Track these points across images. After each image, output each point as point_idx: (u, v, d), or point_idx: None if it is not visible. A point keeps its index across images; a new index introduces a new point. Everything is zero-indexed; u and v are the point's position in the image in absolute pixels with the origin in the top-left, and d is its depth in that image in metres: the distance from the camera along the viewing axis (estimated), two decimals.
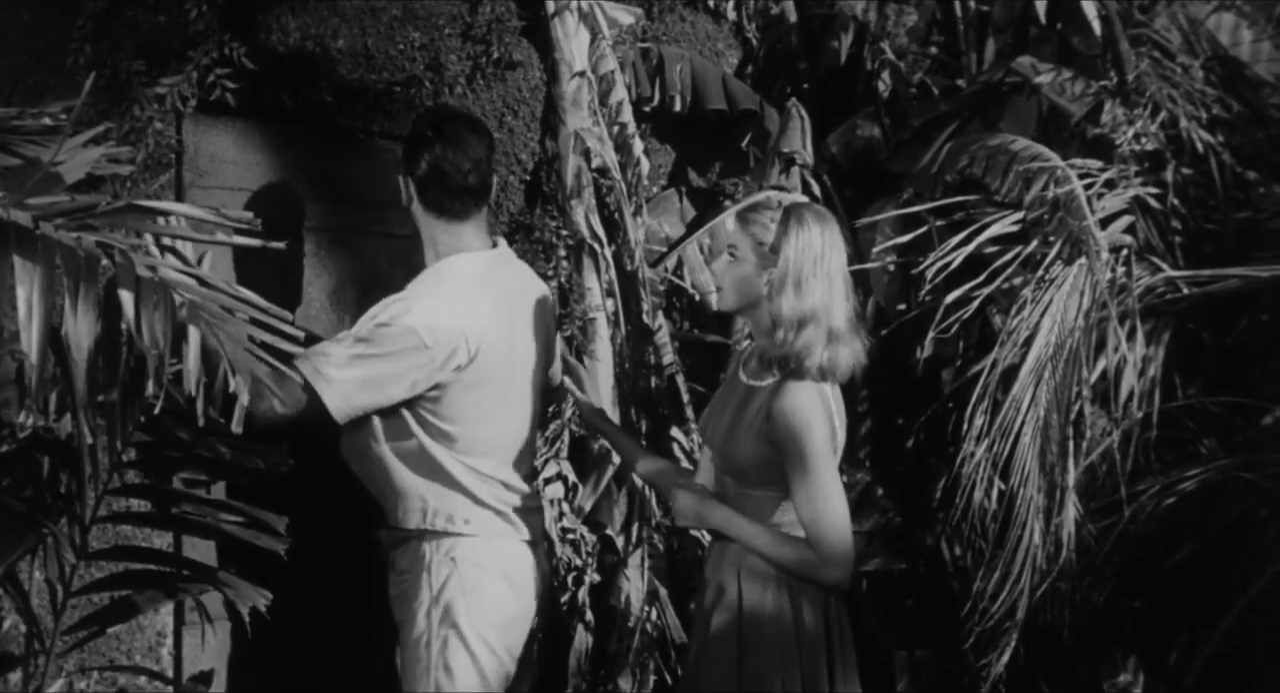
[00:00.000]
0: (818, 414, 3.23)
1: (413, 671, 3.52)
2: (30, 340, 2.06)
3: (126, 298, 2.20)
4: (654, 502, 4.77)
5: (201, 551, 3.67)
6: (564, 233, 4.71)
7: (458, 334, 3.42)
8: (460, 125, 3.59)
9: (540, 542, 3.72)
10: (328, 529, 3.69)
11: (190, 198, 3.77)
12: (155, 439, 2.92)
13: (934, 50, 5.88)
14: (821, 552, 3.21)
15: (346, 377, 3.31)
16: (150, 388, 2.21)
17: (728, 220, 3.55)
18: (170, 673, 3.71)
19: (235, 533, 2.96)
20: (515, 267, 3.76)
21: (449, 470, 3.49)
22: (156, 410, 2.76)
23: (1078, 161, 5.02)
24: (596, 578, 4.72)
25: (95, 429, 2.77)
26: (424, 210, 3.54)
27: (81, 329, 2.12)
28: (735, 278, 3.34)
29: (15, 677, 3.21)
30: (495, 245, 3.65)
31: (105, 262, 2.23)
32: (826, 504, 3.20)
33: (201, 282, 2.37)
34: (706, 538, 3.80)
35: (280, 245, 2.49)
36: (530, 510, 3.66)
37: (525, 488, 3.65)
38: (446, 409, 3.47)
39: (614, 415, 4.71)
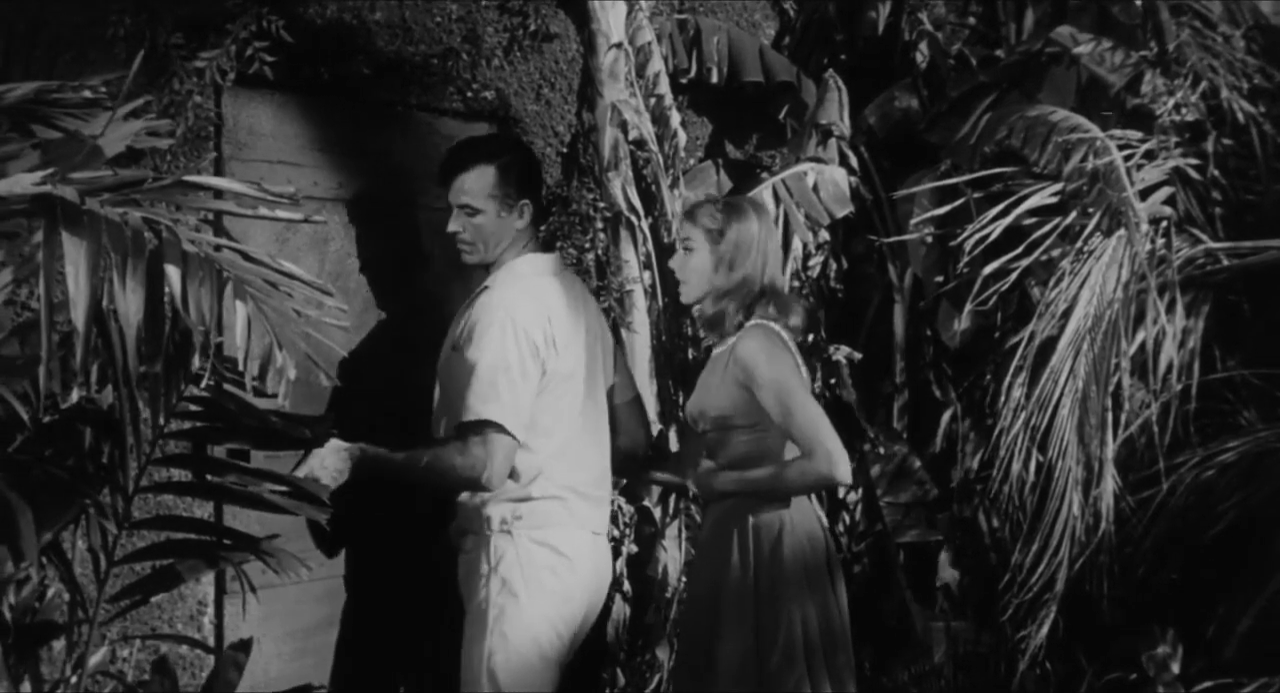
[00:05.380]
0: (775, 346, 3.73)
1: (470, 634, 3.72)
2: (78, 314, 2.08)
3: (173, 273, 2.21)
4: None
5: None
6: (601, 205, 4.70)
7: (541, 318, 3.70)
8: None
9: (602, 533, 3.94)
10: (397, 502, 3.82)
11: (229, 171, 3.78)
12: (200, 410, 2.94)
13: (972, 20, 5.83)
14: (819, 455, 3.62)
15: (504, 402, 3.60)
16: (196, 361, 2.22)
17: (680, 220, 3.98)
18: (211, 641, 3.74)
19: (279, 502, 2.98)
20: (572, 275, 4.10)
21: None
22: (204, 384, 2.79)
23: (1117, 132, 4.99)
24: (634, 549, 4.74)
25: (139, 400, 2.79)
26: (531, 221, 3.85)
27: (130, 304, 2.14)
28: (693, 267, 3.85)
29: (59, 645, 3.24)
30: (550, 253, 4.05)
31: (149, 235, 2.24)
32: (809, 414, 3.66)
33: (246, 256, 2.38)
34: None
35: (321, 220, 2.52)
36: (592, 500, 3.86)
37: (586, 478, 3.84)
38: None
39: (651, 387, 4.73)
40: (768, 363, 3.69)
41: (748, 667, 3.64)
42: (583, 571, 3.77)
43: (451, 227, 3.82)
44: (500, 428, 3.59)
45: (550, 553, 3.70)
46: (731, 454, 3.79)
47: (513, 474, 3.68)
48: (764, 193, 5.15)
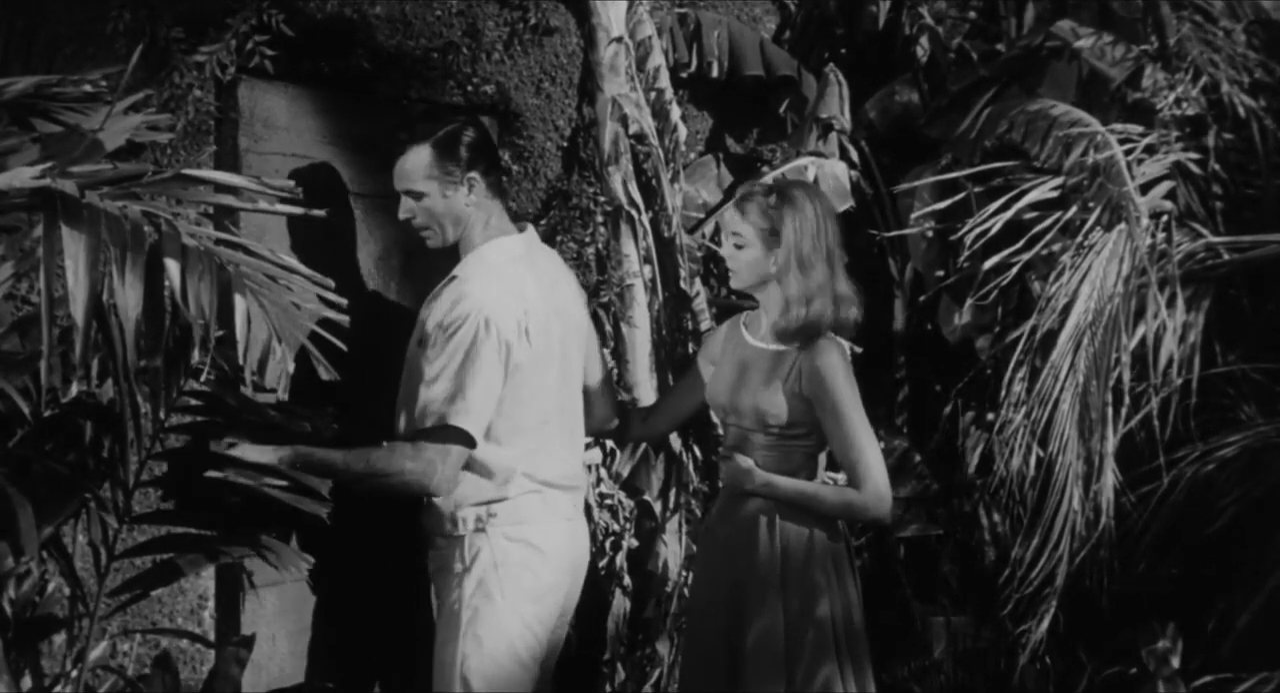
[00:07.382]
0: (849, 368, 3.70)
1: (443, 635, 3.65)
2: (78, 309, 2.08)
3: (173, 266, 2.21)
4: (691, 468, 4.77)
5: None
6: (601, 200, 4.70)
7: (516, 312, 3.58)
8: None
9: (576, 518, 3.85)
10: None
11: (246, 163, 3.77)
12: (200, 404, 2.94)
13: (973, 15, 5.83)
14: (867, 490, 3.62)
15: (470, 407, 3.48)
16: (195, 355, 2.23)
17: (726, 212, 3.86)
18: (212, 636, 3.74)
19: (278, 497, 2.98)
20: (545, 248, 3.96)
21: (474, 473, 3.61)
22: (203, 378, 2.79)
23: (1118, 127, 4.99)
24: (634, 543, 4.73)
25: (139, 395, 2.79)
26: (489, 195, 3.72)
27: (129, 298, 2.14)
28: (745, 262, 3.74)
29: (60, 639, 3.24)
30: (523, 230, 3.84)
31: (149, 229, 2.24)
32: (865, 448, 3.64)
33: (246, 250, 2.38)
34: None
35: (321, 213, 2.51)
36: (567, 490, 3.78)
37: (562, 469, 3.76)
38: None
39: (651, 382, 4.72)
40: (844, 388, 3.65)
41: (777, 660, 3.63)
42: (558, 562, 3.69)
43: (401, 214, 3.71)
44: (461, 434, 3.48)
45: (525, 548, 3.62)
46: (757, 452, 3.74)
47: (488, 474, 3.59)
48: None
